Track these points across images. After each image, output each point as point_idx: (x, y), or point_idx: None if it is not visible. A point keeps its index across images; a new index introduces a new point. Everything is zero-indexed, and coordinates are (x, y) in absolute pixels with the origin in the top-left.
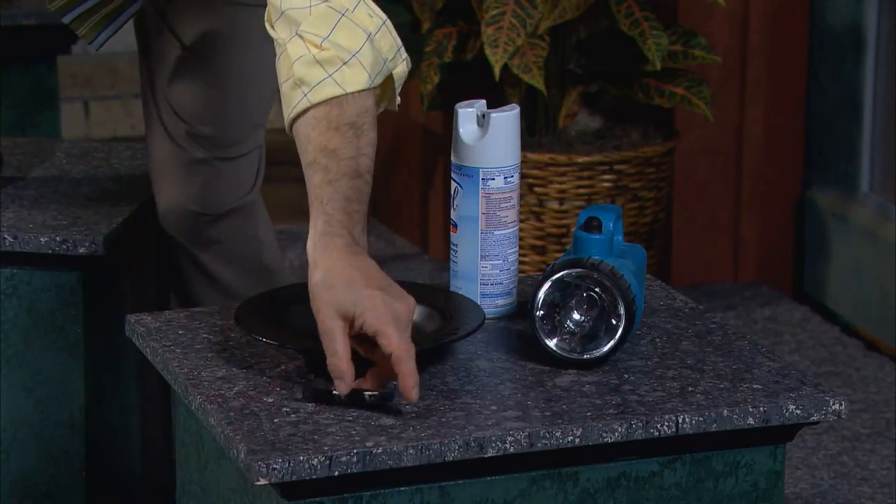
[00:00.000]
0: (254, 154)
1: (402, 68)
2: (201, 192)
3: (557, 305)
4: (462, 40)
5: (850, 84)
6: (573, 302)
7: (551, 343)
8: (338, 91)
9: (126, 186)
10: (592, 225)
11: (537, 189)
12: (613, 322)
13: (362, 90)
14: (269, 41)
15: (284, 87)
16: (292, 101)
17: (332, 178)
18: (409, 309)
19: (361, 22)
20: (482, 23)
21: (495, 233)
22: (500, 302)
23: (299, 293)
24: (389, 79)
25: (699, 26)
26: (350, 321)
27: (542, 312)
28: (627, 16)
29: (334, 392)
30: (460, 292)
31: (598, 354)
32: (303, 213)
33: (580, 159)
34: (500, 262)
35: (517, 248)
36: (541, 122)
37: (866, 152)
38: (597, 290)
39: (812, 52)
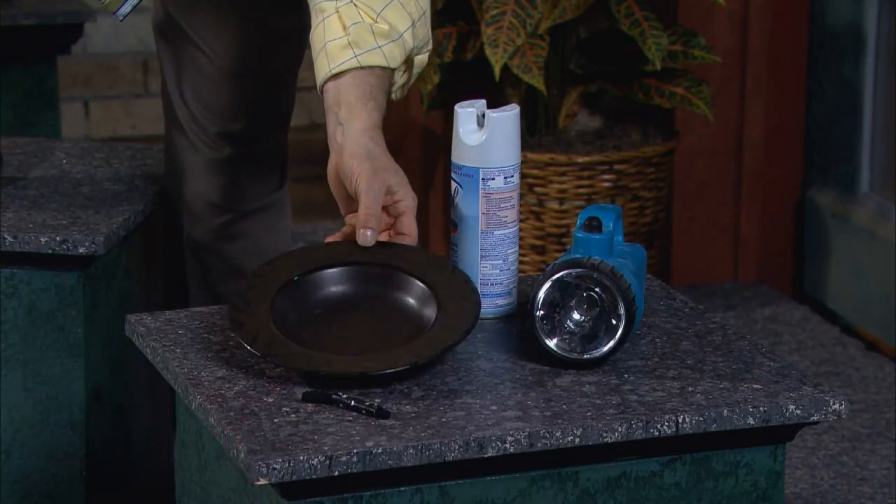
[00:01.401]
0: (280, 151)
1: (422, 57)
2: (231, 189)
3: (557, 305)
4: (462, 40)
5: (850, 84)
6: (573, 302)
7: (551, 343)
8: (383, 63)
9: (126, 186)
10: (592, 225)
11: (537, 189)
12: (613, 322)
13: (396, 69)
14: (294, 39)
15: (331, 45)
16: (339, 59)
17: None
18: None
19: (408, 7)
20: (482, 23)
21: (495, 233)
22: (500, 302)
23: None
24: (409, 64)
25: (699, 26)
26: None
27: (542, 312)
28: (627, 16)
29: (334, 394)
30: None
31: (598, 354)
32: (303, 214)
33: (580, 159)
34: (501, 261)
35: (517, 248)
36: (541, 122)
37: (866, 152)
38: (597, 290)
39: (812, 52)
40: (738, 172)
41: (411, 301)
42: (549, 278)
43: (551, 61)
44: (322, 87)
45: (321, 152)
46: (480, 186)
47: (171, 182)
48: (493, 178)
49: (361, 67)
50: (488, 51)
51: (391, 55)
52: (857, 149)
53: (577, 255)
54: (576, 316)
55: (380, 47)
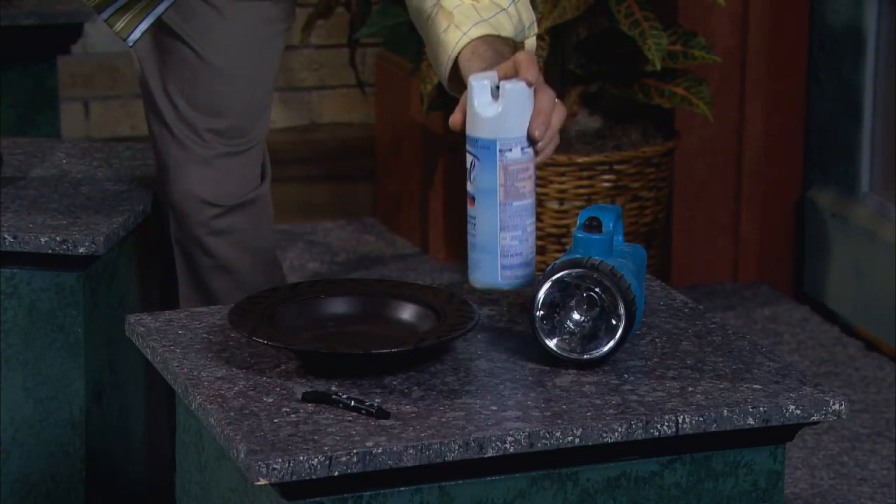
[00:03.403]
0: (259, 146)
1: (533, 41)
2: (216, 185)
3: (557, 305)
4: None
5: (850, 84)
6: (573, 302)
7: (551, 343)
8: (492, 31)
9: (126, 186)
10: (592, 225)
11: (537, 189)
12: (613, 322)
13: (509, 38)
14: (270, 31)
15: (442, 35)
16: (451, 42)
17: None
18: None
19: None
20: None
21: (514, 204)
22: (520, 273)
23: (288, 294)
24: (521, 46)
25: (699, 26)
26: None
27: (542, 312)
28: (627, 16)
29: (334, 394)
30: (479, 265)
31: (598, 354)
32: (303, 214)
33: (580, 159)
34: (520, 232)
35: (534, 219)
36: None
37: (866, 152)
38: (597, 290)
39: (812, 52)
40: (738, 172)
41: (410, 319)
42: (549, 278)
43: (551, 61)
44: (448, 78)
45: (321, 152)
46: (498, 158)
47: (157, 179)
48: (511, 150)
49: (472, 40)
50: None
51: (499, 24)
52: (857, 149)
53: (577, 255)
54: (576, 316)
55: (486, 20)
